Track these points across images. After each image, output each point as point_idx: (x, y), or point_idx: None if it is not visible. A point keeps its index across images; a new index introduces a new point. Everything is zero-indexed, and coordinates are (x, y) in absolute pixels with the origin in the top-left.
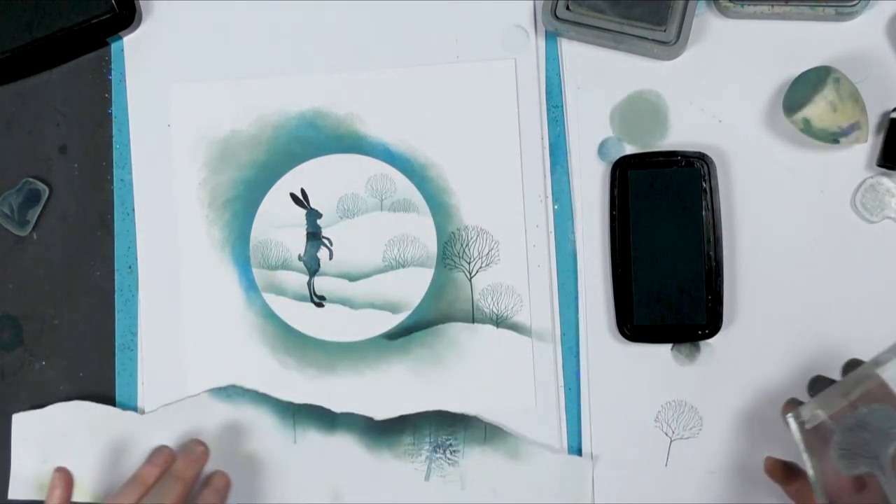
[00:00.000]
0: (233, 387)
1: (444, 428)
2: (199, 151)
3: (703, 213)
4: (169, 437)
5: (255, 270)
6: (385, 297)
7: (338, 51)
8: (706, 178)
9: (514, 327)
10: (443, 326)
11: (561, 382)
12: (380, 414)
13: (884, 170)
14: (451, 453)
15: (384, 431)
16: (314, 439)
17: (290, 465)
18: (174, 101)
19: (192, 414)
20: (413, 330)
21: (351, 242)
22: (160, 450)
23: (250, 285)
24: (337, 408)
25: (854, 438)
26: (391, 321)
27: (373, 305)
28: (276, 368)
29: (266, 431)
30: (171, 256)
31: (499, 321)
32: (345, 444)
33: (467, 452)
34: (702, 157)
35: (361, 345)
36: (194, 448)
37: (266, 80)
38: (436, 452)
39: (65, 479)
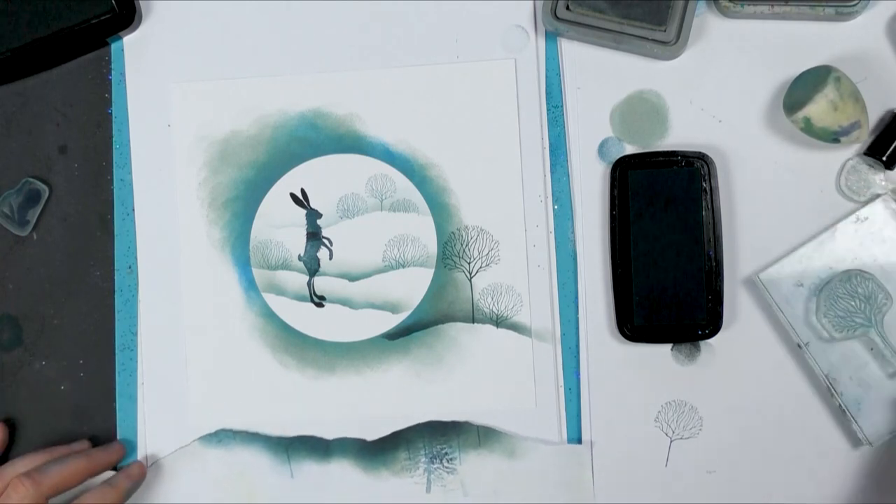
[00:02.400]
0: (222, 431)
1: (437, 437)
2: (199, 151)
3: (703, 213)
4: (166, 490)
5: (255, 270)
6: (385, 297)
7: (338, 51)
8: (706, 178)
9: (514, 327)
10: (443, 326)
11: (561, 382)
12: (372, 434)
13: (867, 157)
14: (448, 462)
15: (378, 451)
16: (311, 470)
17: (292, 500)
18: (174, 101)
19: (186, 465)
20: (413, 330)
21: (351, 242)
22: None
23: (250, 285)
24: (331, 429)
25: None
26: (391, 321)
27: (373, 305)
28: (275, 369)
29: (262, 470)
30: (171, 256)
31: (499, 321)
32: (342, 470)
33: (464, 458)
34: (702, 157)
35: (361, 345)
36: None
37: (266, 80)
38: (433, 463)
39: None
